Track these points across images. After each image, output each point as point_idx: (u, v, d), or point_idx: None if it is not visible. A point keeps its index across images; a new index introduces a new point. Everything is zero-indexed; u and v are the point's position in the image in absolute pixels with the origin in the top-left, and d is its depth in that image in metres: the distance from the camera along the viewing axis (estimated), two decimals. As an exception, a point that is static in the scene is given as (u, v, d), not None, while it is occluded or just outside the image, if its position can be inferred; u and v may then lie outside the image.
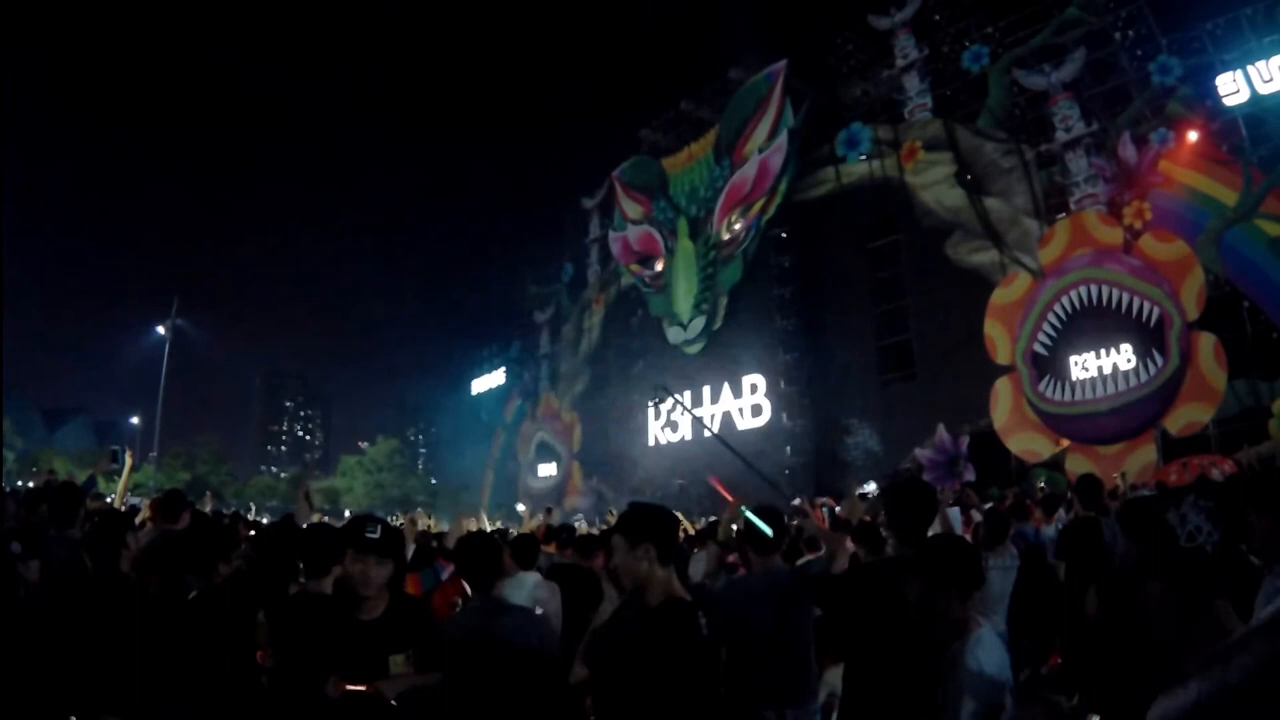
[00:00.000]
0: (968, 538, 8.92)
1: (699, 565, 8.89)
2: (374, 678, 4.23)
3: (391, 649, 4.36)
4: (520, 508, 35.88)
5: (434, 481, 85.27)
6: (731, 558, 9.29)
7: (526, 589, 6.89)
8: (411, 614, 4.67)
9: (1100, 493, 10.22)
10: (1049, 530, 11.10)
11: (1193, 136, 23.59)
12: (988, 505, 12.66)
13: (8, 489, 16.60)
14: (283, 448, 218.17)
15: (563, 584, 7.29)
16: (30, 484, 34.00)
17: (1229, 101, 23.83)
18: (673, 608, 3.61)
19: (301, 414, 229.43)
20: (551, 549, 10.02)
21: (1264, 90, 23.35)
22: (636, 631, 3.60)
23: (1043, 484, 20.17)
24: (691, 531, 12.99)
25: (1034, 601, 9.20)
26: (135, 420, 67.92)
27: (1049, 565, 9.68)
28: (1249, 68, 23.60)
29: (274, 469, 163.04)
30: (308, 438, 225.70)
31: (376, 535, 4.51)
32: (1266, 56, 23.46)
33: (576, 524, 28.45)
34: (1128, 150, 24.63)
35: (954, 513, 10.00)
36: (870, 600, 4.29)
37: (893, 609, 4.15)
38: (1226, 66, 24.10)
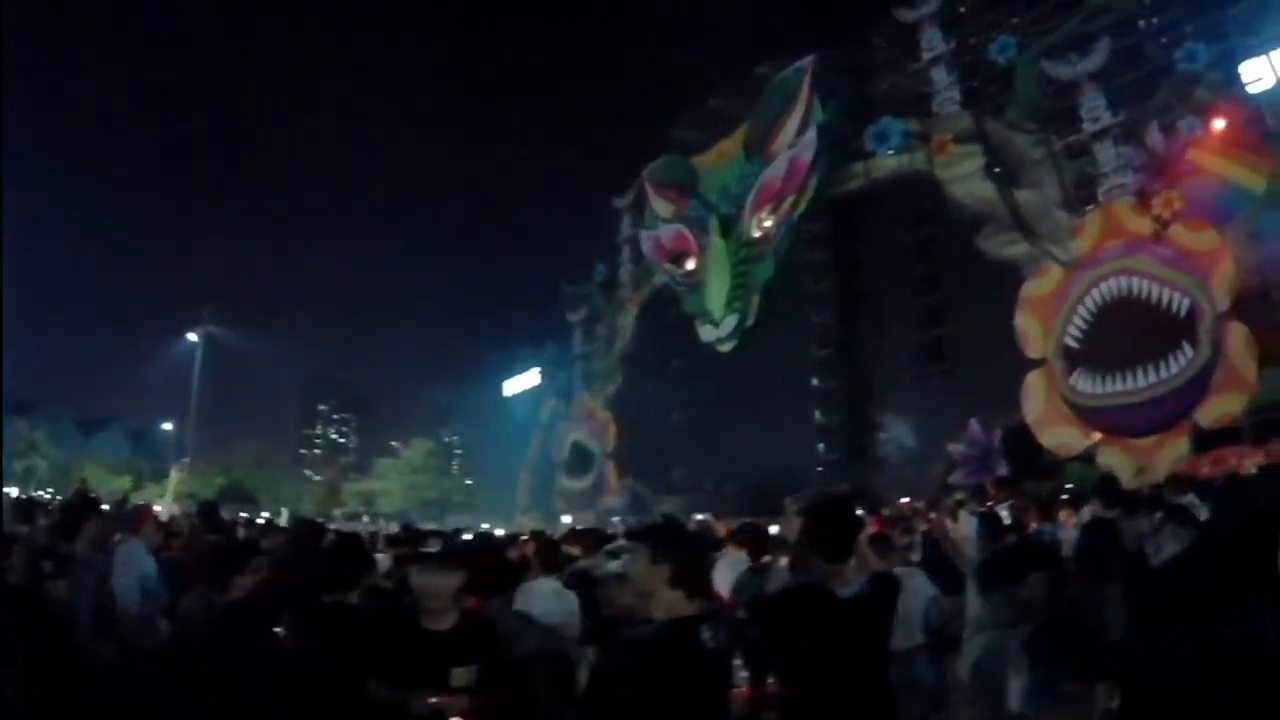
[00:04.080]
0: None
1: (726, 567, 8.90)
2: (437, 688, 4.30)
3: (457, 661, 4.41)
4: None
5: (469, 483, 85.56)
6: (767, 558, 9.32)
7: (538, 596, 6.94)
8: (482, 629, 4.78)
9: (1119, 492, 10.26)
10: (1069, 530, 11.12)
11: (1221, 123, 23.32)
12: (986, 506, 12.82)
13: (42, 498, 16.85)
14: (317, 451, 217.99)
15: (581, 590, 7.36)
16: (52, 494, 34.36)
17: (1255, 88, 23.63)
18: (675, 626, 3.77)
19: (335, 417, 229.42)
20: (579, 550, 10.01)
21: (1288, 76, 23.19)
22: (637, 651, 3.78)
23: (1076, 480, 20.15)
24: (723, 534, 12.96)
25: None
26: (168, 427, 68.40)
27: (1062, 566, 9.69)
28: (1273, 54, 23.42)
29: (308, 472, 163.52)
30: (343, 441, 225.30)
31: (435, 549, 4.62)
32: (1289, 42, 23.29)
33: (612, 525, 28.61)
34: (1156, 139, 24.48)
35: (971, 521, 10.05)
36: (804, 622, 4.31)
37: (826, 631, 4.23)
38: (1252, 52, 23.94)
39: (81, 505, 10.63)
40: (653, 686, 3.59)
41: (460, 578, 4.71)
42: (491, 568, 6.24)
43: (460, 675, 4.38)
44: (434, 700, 4.25)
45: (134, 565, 8.55)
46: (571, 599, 7.12)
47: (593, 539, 10.65)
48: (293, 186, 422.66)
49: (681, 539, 4.22)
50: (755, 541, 9.16)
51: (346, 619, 5.29)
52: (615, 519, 34.04)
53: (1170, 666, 3.31)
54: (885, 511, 19.80)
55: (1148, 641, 3.60)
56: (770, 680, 4.15)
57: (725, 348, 38.37)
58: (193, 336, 54.44)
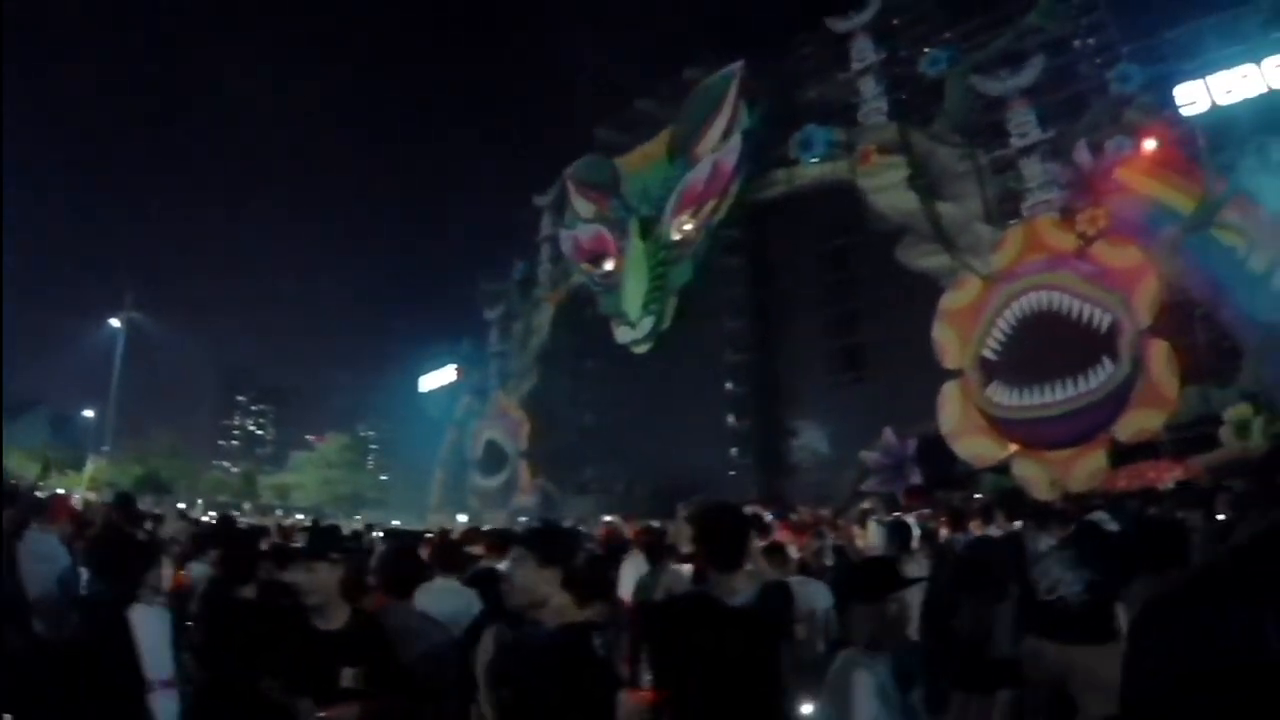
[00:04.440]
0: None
1: (631, 568, 8.71)
2: (326, 689, 4.16)
3: (346, 661, 4.25)
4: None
5: (383, 478, 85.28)
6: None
7: (431, 595, 6.60)
8: (371, 629, 4.59)
9: (1024, 504, 10.09)
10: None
11: (1151, 144, 23.49)
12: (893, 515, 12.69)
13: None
14: (234, 442, 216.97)
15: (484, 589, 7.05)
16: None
17: (1188, 111, 23.72)
18: (569, 632, 3.79)
19: (253, 408, 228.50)
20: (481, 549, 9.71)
21: (1223, 101, 23.27)
22: (533, 657, 3.78)
23: (990, 491, 20.16)
24: (629, 535, 12.82)
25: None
26: (90, 413, 67.61)
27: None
28: (1209, 78, 23.54)
29: (225, 463, 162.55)
30: (260, 432, 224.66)
31: (303, 544, 4.51)
32: (1227, 67, 23.38)
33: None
34: (1084, 156, 24.54)
35: (878, 530, 9.85)
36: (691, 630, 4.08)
37: (714, 640, 4.01)
38: (1187, 76, 24.03)
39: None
40: (543, 691, 3.58)
41: (337, 574, 4.54)
42: (401, 567, 5.96)
43: (350, 675, 4.23)
44: (323, 714, 4.09)
45: (50, 559, 8.31)
46: (466, 596, 6.78)
47: (496, 538, 10.37)
48: (215, 175, 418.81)
49: (566, 543, 3.97)
50: (652, 544, 9.04)
51: (240, 615, 5.19)
52: (523, 518, 33.74)
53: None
54: (794, 517, 19.60)
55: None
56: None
57: (641, 349, 38.15)
58: (115, 322, 53.73)
